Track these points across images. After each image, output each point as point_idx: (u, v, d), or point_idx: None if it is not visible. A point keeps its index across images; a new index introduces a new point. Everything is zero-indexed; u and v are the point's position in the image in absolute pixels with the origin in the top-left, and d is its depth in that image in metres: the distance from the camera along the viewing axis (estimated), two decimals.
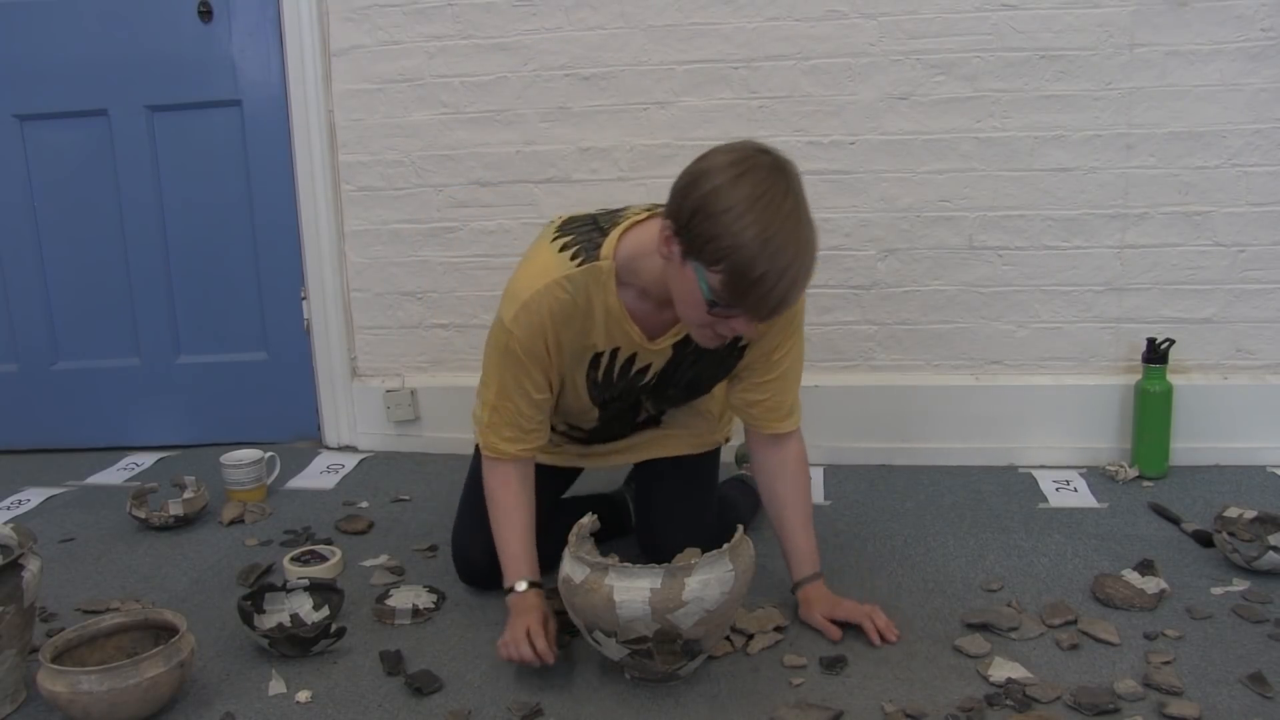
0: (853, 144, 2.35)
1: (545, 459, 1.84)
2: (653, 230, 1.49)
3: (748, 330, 1.42)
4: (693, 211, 1.35)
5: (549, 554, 1.68)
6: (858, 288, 2.41)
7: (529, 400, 1.61)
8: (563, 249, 1.56)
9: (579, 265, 1.54)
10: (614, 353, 1.62)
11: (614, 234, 1.55)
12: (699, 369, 1.68)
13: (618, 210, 1.63)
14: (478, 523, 1.75)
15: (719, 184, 1.34)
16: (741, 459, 2.29)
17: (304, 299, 2.67)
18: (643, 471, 1.91)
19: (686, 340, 1.61)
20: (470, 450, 1.87)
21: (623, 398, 1.72)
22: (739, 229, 1.32)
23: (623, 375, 1.66)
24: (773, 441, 1.72)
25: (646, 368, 1.66)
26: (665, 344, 1.62)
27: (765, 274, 1.32)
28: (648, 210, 1.59)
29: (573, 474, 1.98)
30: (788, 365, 1.68)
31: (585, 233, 1.58)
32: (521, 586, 1.60)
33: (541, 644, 1.51)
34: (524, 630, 1.52)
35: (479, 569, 1.81)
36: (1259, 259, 2.29)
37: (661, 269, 1.47)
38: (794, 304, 1.40)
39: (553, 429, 1.82)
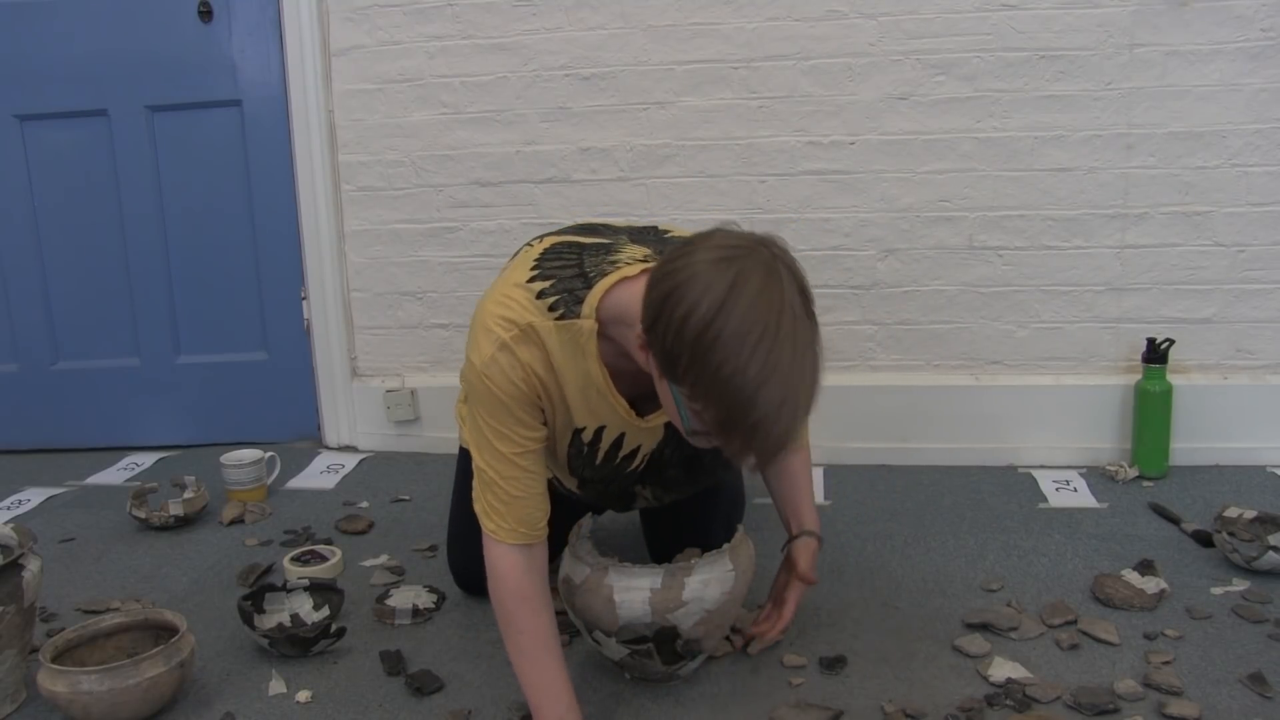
0: (853, 144, 2.35)
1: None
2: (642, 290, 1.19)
3: (717, 444, 1.16)
4: (665, 332, 1.11)
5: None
6: (858, 288, 2.42)
7: (531, 465, 1.34)
8: (540, 294, 1.31)
9: (557, 320, 1.30)
10: (598, 431, 1.39)
11: (599, 287, 1.29)
12: (695, 450, 1.38)
13: (607, 248, 1.36)
14: (472, 530, 1.47)
15: (701, 309, 1.07)
16: None
17: (304, 299, 2.67)
18: None
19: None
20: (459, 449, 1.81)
21: (606, 482, 1.50)
22: (726, 375, 1.07)
23: (608, 460, 1.44)
24: None
25: (635, 450, 1.44)
26: (657, 422, 1.39)
27: (758, 421, 1.08)
28: (642, 262, 1.32)
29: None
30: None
31: (564, 280, 1.32)
32: None
33: None
34: None
35: (478, 577, 1.72)
36: (1259, 259, 2.29)
37: None
38: (795, 439, 1.18)
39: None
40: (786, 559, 1.60)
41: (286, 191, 2.61)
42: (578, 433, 1.40)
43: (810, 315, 1.12)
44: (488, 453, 1.34)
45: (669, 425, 1.40)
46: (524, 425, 1.33)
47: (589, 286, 1.30)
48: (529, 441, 1.34)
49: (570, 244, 1.38)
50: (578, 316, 1.30)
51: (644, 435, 1.42)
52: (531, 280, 1.33)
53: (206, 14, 2.53)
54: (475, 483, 1.37)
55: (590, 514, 1.56)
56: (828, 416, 2.39)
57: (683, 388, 1.12)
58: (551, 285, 1.32)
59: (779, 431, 1.10)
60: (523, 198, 2.51)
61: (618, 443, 1.42)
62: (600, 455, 1.43)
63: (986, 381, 2.41)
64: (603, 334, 1.31)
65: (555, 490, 1.58)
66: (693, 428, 1.17)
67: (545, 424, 1.36)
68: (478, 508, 1.37)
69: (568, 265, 1.34)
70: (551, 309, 1.30)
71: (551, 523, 1.41)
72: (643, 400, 1.36)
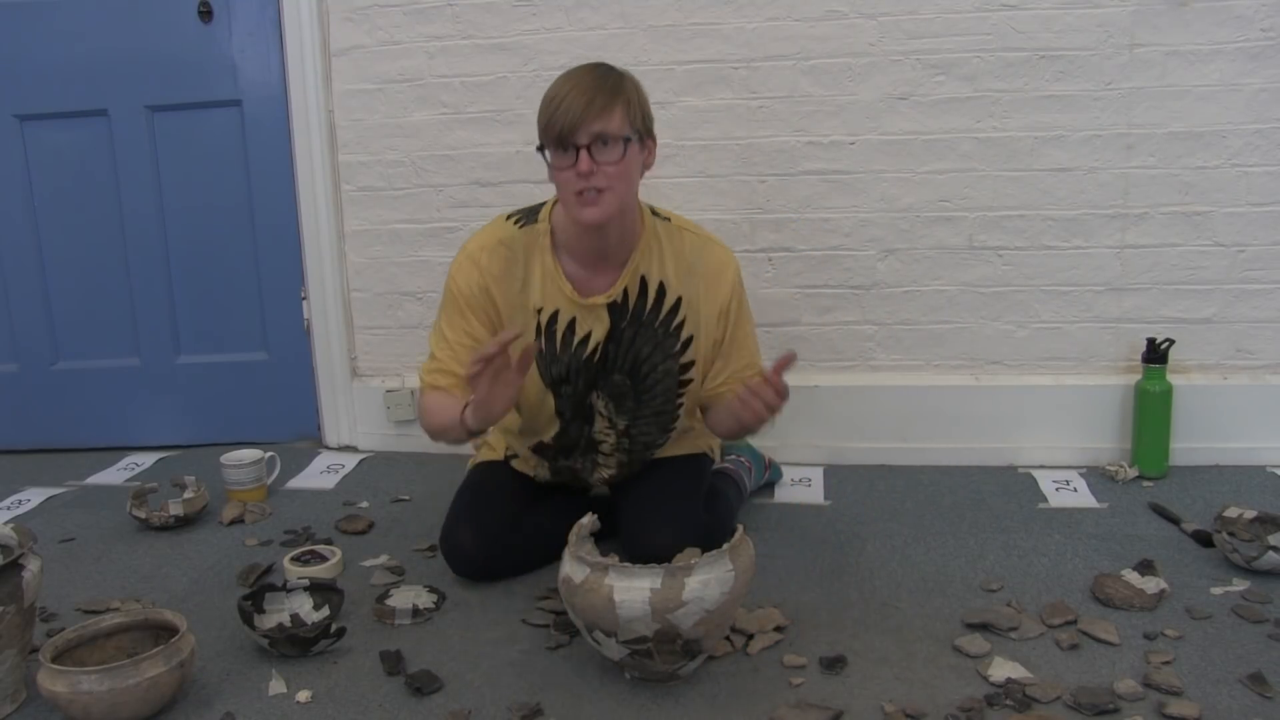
0: (853, 144, 2.35)
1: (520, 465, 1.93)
2: None
3: (582, 165, 1.57)
4: None
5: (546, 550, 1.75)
6: (858, 288, 2.42)
7: (467, 348, 1.71)
8: (509, 218, 1.78)
9: (520, 227, 1.76)
10: (554, 315, 1.74)
11: (550, 202, 1.75)
12: (638, 347, 1.76)
13: None
14: (465, 512, 1.83)
15: None
16: (723, 452, 2.30)
17: (304, 299, 2.67)
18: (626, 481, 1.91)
19: (622, 309, 1.74)
20: (469, 450, 1.87)
21: (572, 378, 1.78)
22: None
23: (565, 345, 1.76)
24: None
25: (587, 337, 1.75)
26: (598, 302, 1.73)
27: (549, 99, 1.59)
28: None
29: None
30: (738, 344, 1.81)
31: (530, 209, 1.79)
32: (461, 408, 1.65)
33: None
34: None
35: (472, 558, 1.81)
36: (1259, 259, 2.29)
37: None
38: (585, 114, 1.56)
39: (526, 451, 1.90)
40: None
41: (286, 191, 2.61)
42: (540, 315, 1.74)
43: (619, 75, 1.64)
44: (438, 332, 1.78)
45: (610, 311, 1.74)
46: (471, 319, 1.74)
47: (544, 206, 1.76)
48: (466, 336, 1.75)
49: (539, 202, 1.82)
50: (535, 223, 1.75)
51: (590, 319, 1.74)
52: (507, 215, 1.79)
53: (206, 14, 2.53)
54: (428, 360, 1.79)
55: (591, 514, 1.56)
56: (828, 416, 2.42)
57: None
58: (519, 214, 1.79)
59: (561, 109, 1.56)
60: (523, 198, 2.49)
61: (571, 326, 1.75)
62: (559, 339, 1.76)
63: (986, 381, 2.41)
64: (556, 244, 1.73)
65: (536, 480, 1.95)
66: (554, 163, 1.61)
67: (492, 331, 1.74)
68: (423, 375, 1.78)
69: (532, 204, 1.81)
70: (516, 223, 1.77)
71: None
72: (584, 286, 1.74)
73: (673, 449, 1.92)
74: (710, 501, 1.92)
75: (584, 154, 1.57)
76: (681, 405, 1.84)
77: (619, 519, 1.86)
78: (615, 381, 1.78)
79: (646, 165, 1.69)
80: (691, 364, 1.79)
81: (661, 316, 1.73)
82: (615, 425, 1.85)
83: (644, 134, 1.66)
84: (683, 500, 1.83)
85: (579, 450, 1.88)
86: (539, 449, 1.90)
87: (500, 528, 1.84)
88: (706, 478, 1.95)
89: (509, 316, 1.74)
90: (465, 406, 1.61)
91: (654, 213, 1.80)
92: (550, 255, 1.73)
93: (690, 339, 1.76)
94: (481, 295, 1.73)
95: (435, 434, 1.74)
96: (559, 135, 1.57)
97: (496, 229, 1.77)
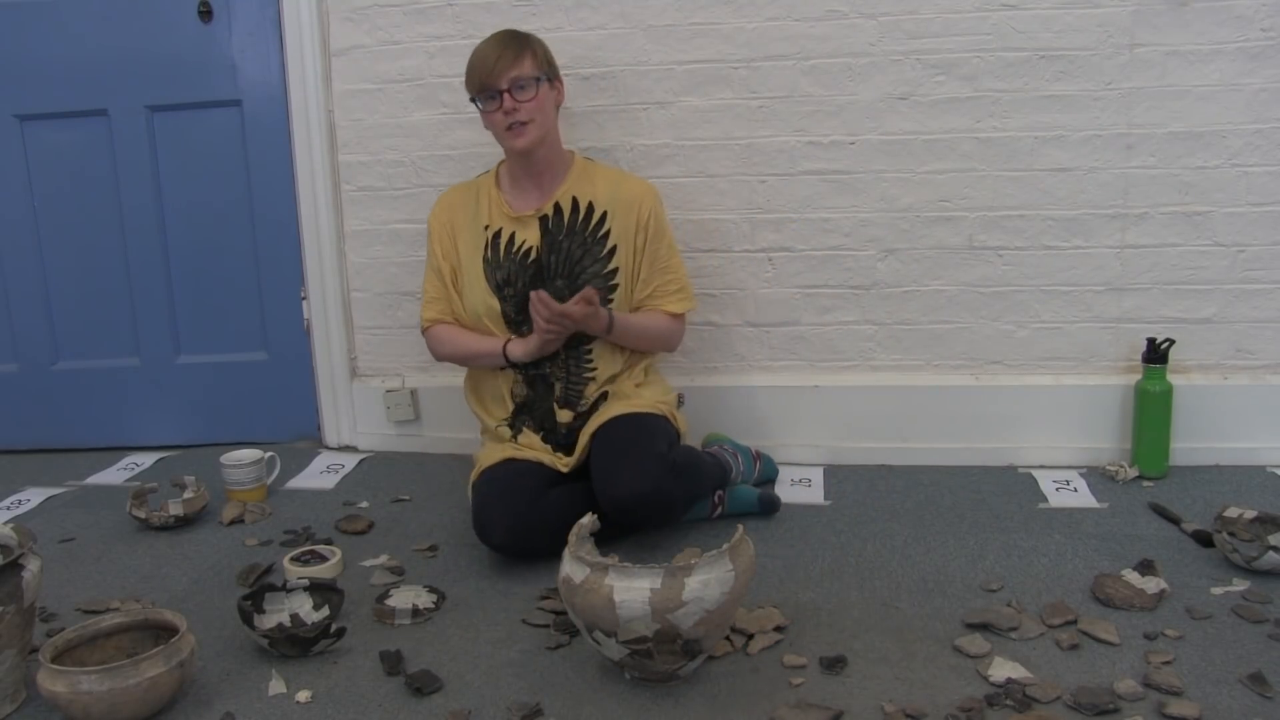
0: (853, 144, 2.36)
1: (528, 454, 2.05)
2: None
3: (507, 102, 1.98)
4: None
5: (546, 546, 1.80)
6: (858, 288, 2.42)
7: (434, 270, 2.14)
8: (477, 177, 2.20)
9: (478, 177, 2.19)
10: (498, 232, 2.10)
11: (499, 162, 2.17)
12: (570, 252, 2.07)
13: None
14: (494, 493, 1.94)
15: None
16: (708, 442, 2.34)
17: (304, 299, 2.67)
18: (592, 440, 2.01)
19: (556, 222, 2.08)
20: (469, 450, 1.87)
21: (513, 282, 2.08)
22: None
23: (508, 254, 2.09)
24: None
25: (524, 244, 2.08)
26: (530, 215, 2.08)
27: (471, 62, 2.02)
28: None
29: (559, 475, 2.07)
30: (660, 261, 2.11)
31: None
32: (502, 345, 2.06)
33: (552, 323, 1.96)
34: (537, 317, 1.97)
35: (510, 526, 1.89)
36: (1259, 259, 2.29)
37: None
38: (499, 63, 1.98)
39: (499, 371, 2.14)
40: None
41: (286, 191, 2.61)
42: (486, 232, 2.11)
43: (524, 34, 2.07)
44: (427, 271, 2.18)
45: (542, 224, 2.08)
46: (436, 248, 2.15)
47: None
48: (435, 257, 2.15)
49: None
50: (488, 172, 2.19)
51: (526, 232, 2.09)
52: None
53: (206, 14, 2.53)
54: (424, 299, 2.19)
55: (591, 514, 1.56)
56: (828, 416, 2.42)
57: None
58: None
59: (481, 58, 2.00)
60: None
61: (511, 239, 2.10)
62: (501, 249, 2.10)
63: (986, 381, 2.41)
64: (499, 177, 2.16)
65: (530, 464, 2.07)
66: (484, 109, 2.03)
67: (452, 254, 2.13)
68: (422, 311, 2.18)
69: None
70: (477, 177, 2.20)
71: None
72: (518, 204, 2.12)
73: (633, 407, 2.04)
74: (684, 462, 1.98)
75: (506, 96, 1.98)
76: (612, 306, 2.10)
77: (594, 477, 1.93)
78: (557, 287, 2.06)
79: (558, 101, 2.10)
80: (617, 270, 2.08)
81: (590, 228, 2.07)
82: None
83: (551, 76, 2.06)
84: (647, 443, 1.95)
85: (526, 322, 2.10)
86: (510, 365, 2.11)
87: (527, 504, 1.92)
88: (664, 429, 2.05)
89: (463, 239, 2.12)
90: (508, 341, 2.05)
91: (586, 159, 2.19)
92: (495, 187, 2.13)
93: (615, 248, 2.07)
94: (447, 227, 2.14)
95: (460, 360, 2.17)
96: (482, 84, 1.99)
97: (465, 181, 2.23)
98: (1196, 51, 2.22)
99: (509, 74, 1.97)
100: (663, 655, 1.44)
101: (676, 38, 2.37)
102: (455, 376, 2.62)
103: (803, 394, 2.45)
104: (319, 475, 2.51)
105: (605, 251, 2.07)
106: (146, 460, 2.67)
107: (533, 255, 2.08)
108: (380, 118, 2.53)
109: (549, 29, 2.40)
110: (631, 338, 2.10)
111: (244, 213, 2.65)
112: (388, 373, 2.69)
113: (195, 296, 2.71)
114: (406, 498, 2.35)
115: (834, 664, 1.54)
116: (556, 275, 2.08)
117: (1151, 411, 2.26)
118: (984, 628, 1.63)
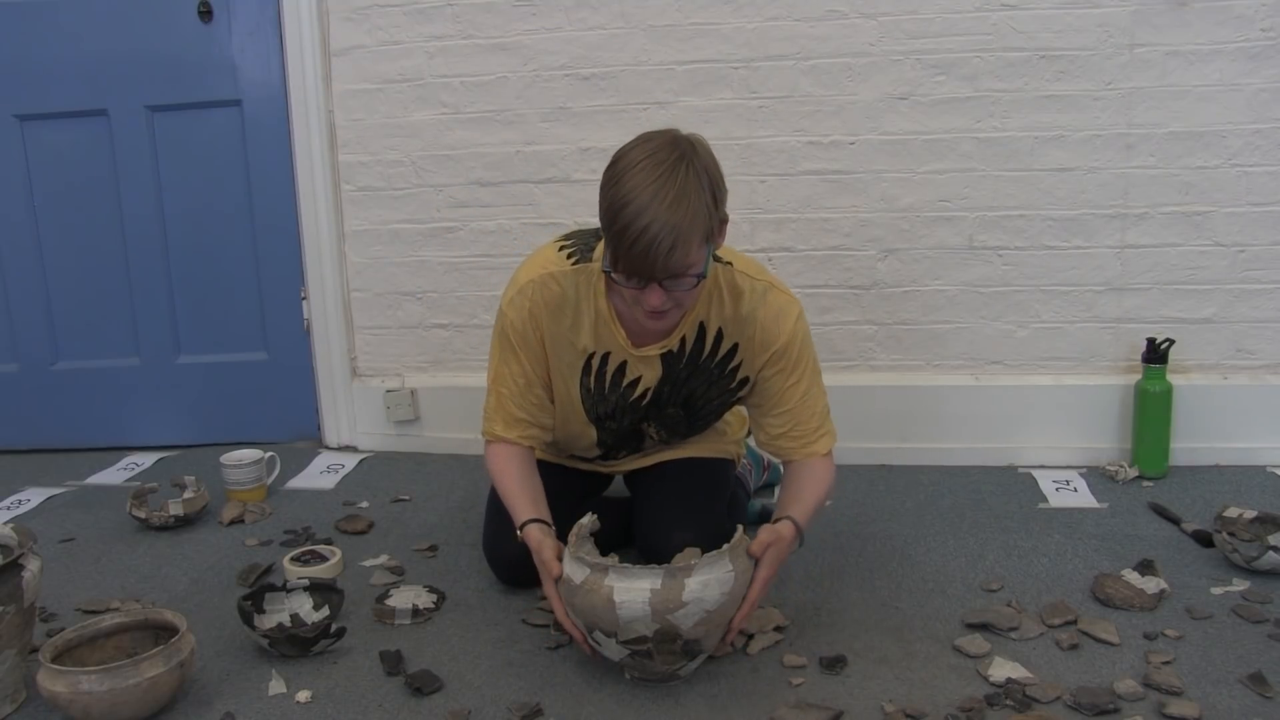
0: (853, 144, 2.35)
1: (565, 462, 1.89)
2: None
3: (653, 300, 1.46)
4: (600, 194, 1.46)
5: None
6: (858, 288, 2.42)
7: (522, 388, 1.68)
8: (561, 249, 1.67)
9: (573, 264, 1.64)
10: (605, 357, 1.67)
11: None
12: (692, 386, 1.70)
13: None
14: (510, 529, 1.66)
15: (617, 165, 1.46)
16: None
17: (304, 299, 2.67)
18: (645, 473, 1.88)
19: (678, 357, 1.66)
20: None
21: (617, 416, 1.74)
22: (610, 194, 1.43)
23: (614, 386, 1.70)
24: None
25: (637, 380, 1.69)
26: (652, 353, 1.66)
27: (624, 228, 1.40)
28: None
29: (599, 480, 1.97)
30: (799, 397, 1.65)
31: (585, 238, 1.68)
32: (523, 522, 1.61)
33: (566, 625, 1.53)
34: (552, 595, 1.54)
35: (514, 564, 1.75)
36: (1259, 259, 2.29)
37: None
38: (666, 262, 1.40)
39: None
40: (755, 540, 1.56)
41: (286, 191, 2.61)
42: (589, 358, 1.67)
43: (690, 169, 1.43)
44: (494, 370, 1.70)
45: (665, 362, 1.67)
46: (522, 356, 1.67)
47: (599, 240, 1.57)
48: (521, 368, 1.68)
49: (592, 227, 1.64)
50: (590, 261, 1.62)
51: (642, 366, 1.68)
52: (559, 245, 1.67)
53: (206, 14, 2.53)
54: (486, 399, 1.72)
55: (591, 514, 1.56)
56: None
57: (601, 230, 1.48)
58: (572, 243, 1.67)
59: (643, 241, 1.38)
60: (523, 198, 2.51)
61: (621, 370, 1.68)
62: (608, 380, 1.69)
63: (986, 381, 2.41)
64: (612, 288, 1.59)
65: (566, 468, 1.90)
66: (606, 267, 1.48)
67: (543, 366, 1.68)
68: (484, 420, 1.72)
69: (586, 231, 1.70)
70: (569, 257, 1.64)
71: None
72: (639, 337, 1.65)
73: (697, 449, 1.88)
74: (732, 509, 1.90)
75: (656, 288, 1.45)
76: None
77: (637, 517, 1.82)
78: (669, 414, 1.75)
79: (716, 246, 1.56)
80: (747, 391, 1.73)
81: (718, 360, 1.67)
82: (664, 440, 1.84)
83: (716, 237, 1.52)
84: (706, 502, 1.79)
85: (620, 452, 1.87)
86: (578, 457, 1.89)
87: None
88: (730, 483, 1.91)
89: (555, 353, 1.67)
90: (523, 527, 1.60)
91: (715, 258, 1.63)
92: (604, 300, 1.62)
93: (745, 379, 1.70)
94: (535, 334, 1.65)
95: (492, 481, 1.74)
96: (629, 273, 1.44)
97: (547, 260, 1.65)
98: (1196, 51, 2.22)
99: (671, 270, 1.43)
100: (663, 655, 1.44)
101: (676, 38, 2.37)
102: (455, 376, 2.63)
103: None
104: (319, 475, 2.51)
105: (735, 384, 1.71)
106: (146, 460, 2.67)
107: (647, 397, 1.71)
108: (380, 118, 2.53)
109: (549, 29, 2.40)
110: (814, 516, 1.66)
111: (244, 213, 2.65)
112: (388, 373, 2.69)
113: (195, 296, 2.71)
114: (406, 498, 2.34)
115: (834, 664, 1.54)
116: (670, 404, 1.73)
117: (1151, 411, 2.26)
118: (984, 628, 1.63)
